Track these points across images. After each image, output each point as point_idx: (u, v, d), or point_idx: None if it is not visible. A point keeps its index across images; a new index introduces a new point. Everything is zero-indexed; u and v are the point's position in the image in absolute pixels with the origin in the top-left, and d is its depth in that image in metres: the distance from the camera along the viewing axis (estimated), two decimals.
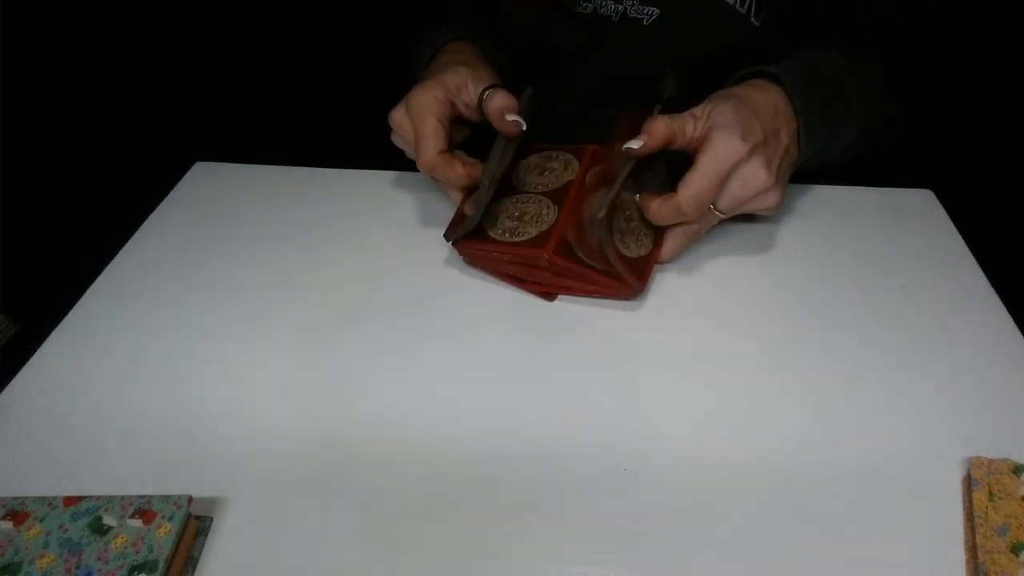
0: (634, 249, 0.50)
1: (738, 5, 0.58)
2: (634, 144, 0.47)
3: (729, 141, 0.46)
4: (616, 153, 0.48)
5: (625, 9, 0.60)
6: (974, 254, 0.54)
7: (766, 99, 0.49)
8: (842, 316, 0.49)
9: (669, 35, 0.60)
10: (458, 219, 0.54)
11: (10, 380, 0.46)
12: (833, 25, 0.61)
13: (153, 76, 1.37)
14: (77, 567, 0.34)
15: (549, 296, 0.50)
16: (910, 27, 0.61)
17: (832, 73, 0.55)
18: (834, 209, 0.58)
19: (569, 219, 0.49)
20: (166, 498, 0.36)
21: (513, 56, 0.66)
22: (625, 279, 0.47)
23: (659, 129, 0.47)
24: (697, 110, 0.48)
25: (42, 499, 0.36)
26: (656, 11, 0.60)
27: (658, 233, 0.52)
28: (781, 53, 0.57)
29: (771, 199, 0.49)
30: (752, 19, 0.59)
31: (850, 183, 0.61)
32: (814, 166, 0.56)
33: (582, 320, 0.49)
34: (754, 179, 0.47)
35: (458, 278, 0.53)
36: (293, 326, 0.49)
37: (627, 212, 0.50)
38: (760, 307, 0.50)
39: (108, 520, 0.35)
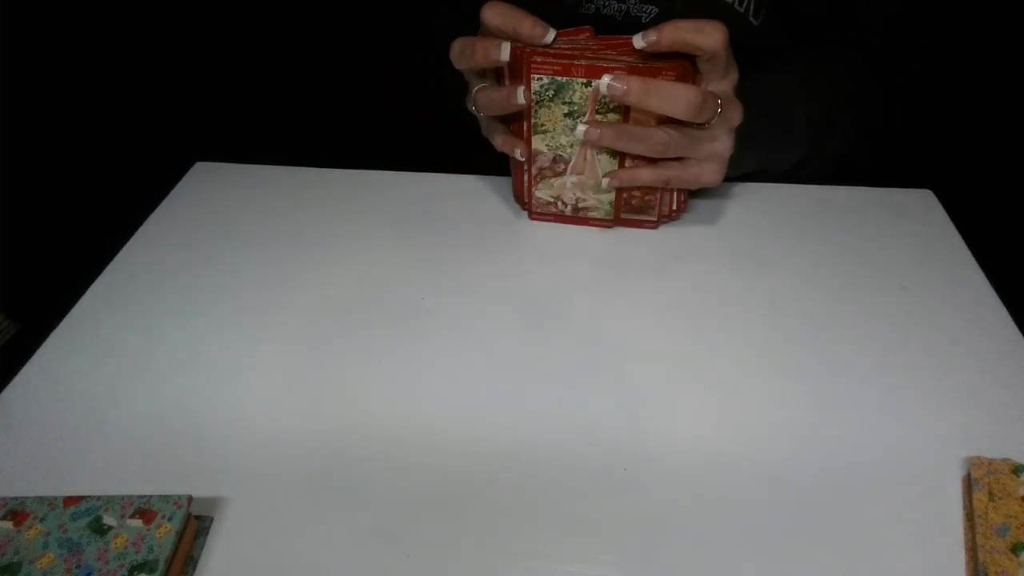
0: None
1: (736, 4, 0.58)
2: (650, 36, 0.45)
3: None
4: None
5: (628, 8, 0.60)
6: (974, 254, 0.54)
7: None
8: (842, 316, 0.49)
9: None
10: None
11: (10, 380, 0.46)
12: (831, 24, 0.61)
13: (153, 76, 1.37)
14: (77, 567, 0.34)
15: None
16: (910, 27, 0.61)
17: (776, 103, 0.56)
18: (834, 209, 0.58)
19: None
20: (166, 498, 0.36)
21: None
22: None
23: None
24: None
25: (42, 499, 0.36)
26: (655, 9, 0.60)
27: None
28: (779, 51, 0.57)
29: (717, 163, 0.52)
30: (751, 18, 0.59)
31: (850, 183, 0.61)
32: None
33: (582, 320, 0.49)
34: (727, 146, 0.51)
35: (458, 278, 0.53)
36: (293, 326, 0.49)
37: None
38: (760, 307, 0.50)
39: (108, 520, 0.35)
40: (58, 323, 0.50)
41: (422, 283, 0.52)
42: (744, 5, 0.59)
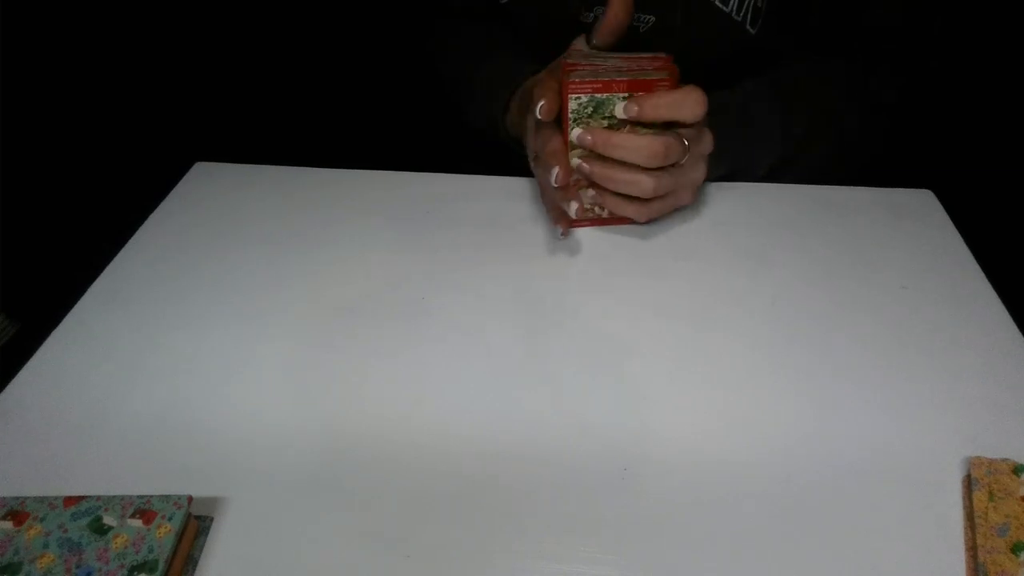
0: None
1: (734, 13, 0.59)
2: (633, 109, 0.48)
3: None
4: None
5: None
6: (974, 254, 0.54)
7: None
8: (842, 316, 0.49)
9: (664, 41, 0.60)
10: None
11: (10, 380, 0.46)
12: (828, 33, 0.61)
13: (153, 76, 1.38)
14: (77, 567, 0.34)
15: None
16: (909, 33, 0.61)
17: (750, 112, 0.58)
18: (834, 209, 0.58)
19: None
20: (166, 498, 0.36)
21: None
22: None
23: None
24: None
25: (42, 499, 0.36)
26: (652, 18, 0.60)
27: None
28: (774, 60, 0.58)
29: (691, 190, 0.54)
30: (748, 27, 0.60)
31: (850, 183, 0.61)
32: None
33: (583, 320, 0.49)
34: (702, 173, 0.54)
35: (458, 278, 0.53)
36: (293, 326, 0.49)
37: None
38: (760, 307, 0.50)
39: (108, 520, 0.35)
40: (58, 323, 0.50)
41: (422, 283, 0.52)
42: (742, 15, 0.59)
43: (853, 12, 0.60)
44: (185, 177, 0.64)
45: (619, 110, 0.49)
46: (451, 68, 0.71)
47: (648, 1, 0.59)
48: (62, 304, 0.51)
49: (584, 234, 0.56)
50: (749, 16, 0.59)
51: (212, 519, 0.38)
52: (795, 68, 0.61)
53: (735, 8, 0.59)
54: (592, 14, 0.61)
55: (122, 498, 0.36)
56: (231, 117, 1.35)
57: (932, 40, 0.62)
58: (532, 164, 0.55)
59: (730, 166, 0.58)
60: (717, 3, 0.58)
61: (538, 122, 0.50)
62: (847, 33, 0.61)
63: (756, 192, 0.60)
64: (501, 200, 0.60)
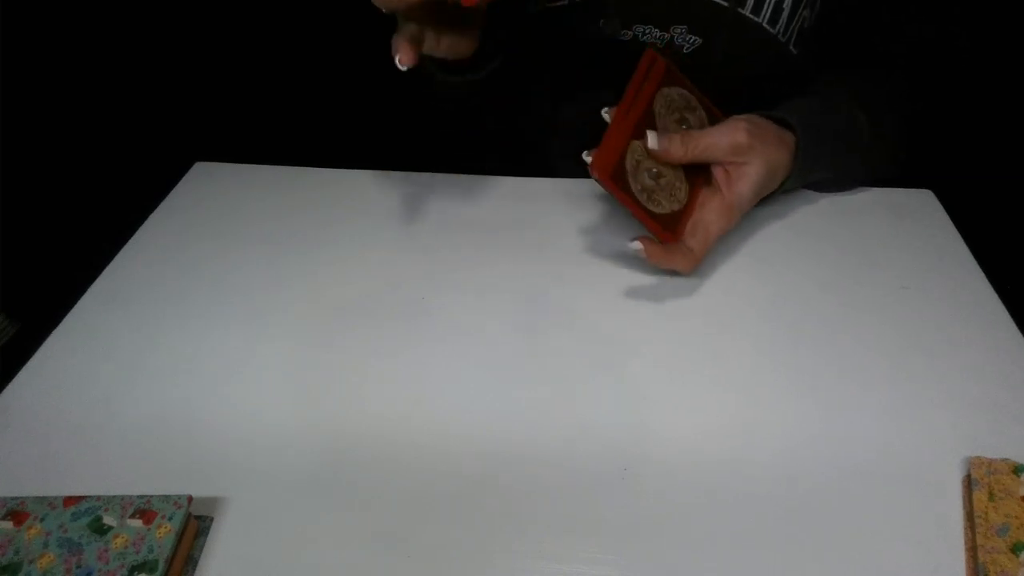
0: (666, 205, 0.51)
1: (780, 35, 0.59)
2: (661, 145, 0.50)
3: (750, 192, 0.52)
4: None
5: (672, 37, 0.60)
6: (974, 254, 0.54)
7: (779, 158, 0.53)
8: (842, 316, 0.49)
9: (708, 62, 0.60)
10: None
11: (10, 380, 0.46)
12: (868, 55, 0.62)
13: (153, 76, 1.38)
14: (77, 567, 0.34)
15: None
16: (939, 56, 0.61)
17: (847, 129, 0.57)
18: (834, 209, 0.58)
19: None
20: (166, 498, 0.36)
21: (548, 79, 0.65)
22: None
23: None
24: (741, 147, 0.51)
25: (42, 499, 0.36)
26: (699, 40, 0.60)
27: (693, 187, 0.52)
28: (811, 75, 0.59)
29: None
30: (791, 48, 0.60)
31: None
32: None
33: (583, 320, 0.49)
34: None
35: (458, 278, 0.53)
36: (293, 326, 0.49)
37: (653, 169, 0.50)
38: (761, 307, 0.50)
39: (108, 520, 0.35)
40: (58, 323, 0.50)
41: (422, 283, 0.52)
42: (786, 36, 0.59)
43: (888, 30, 0.60)
44: (185, 177, 0.64)
45: (651, 141, 0.49)
46: None
47: (695, 23, 0.59)
48: (62, 304, 0.51)
49: (583, 234, 0.56)
50: (793, 37, 0.59)
51: (212, 519, 0.38)
52: (863, 75, 0.61)
53: (782, 30, 0.59)
54: (631, 32, 0.61)
55: (122, 498, 0.36)
56: (231, 117, 1.34)
57: (953, 48, 0.62)
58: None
59: (828, 171, 0.57)
60: (765, 25, 0.58)
61: None
62: (884, 54, 0.62)
63: None
64: (501, 200, 0.60)
